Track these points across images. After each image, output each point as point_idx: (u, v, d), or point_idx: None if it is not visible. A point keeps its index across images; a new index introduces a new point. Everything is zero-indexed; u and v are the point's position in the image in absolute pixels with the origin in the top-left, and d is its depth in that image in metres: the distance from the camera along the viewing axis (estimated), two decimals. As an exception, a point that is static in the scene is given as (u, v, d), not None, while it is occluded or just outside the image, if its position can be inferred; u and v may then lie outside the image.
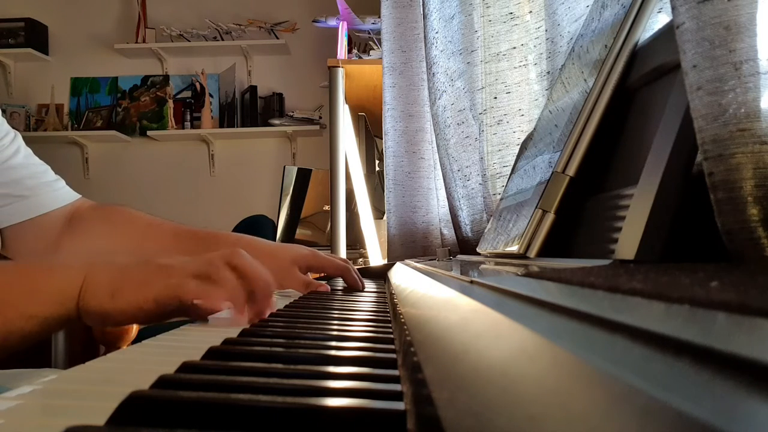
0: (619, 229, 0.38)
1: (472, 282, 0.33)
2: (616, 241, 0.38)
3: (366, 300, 0.75)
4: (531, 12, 0.99)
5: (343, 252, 2.03)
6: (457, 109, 1.21)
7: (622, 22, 0.53)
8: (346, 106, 2.11)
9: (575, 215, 0.53)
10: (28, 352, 0.53)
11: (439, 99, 1.26)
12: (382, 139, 1.67)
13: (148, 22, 3.59)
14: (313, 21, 2.68)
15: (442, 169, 1.30)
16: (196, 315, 0.59)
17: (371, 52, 2.36)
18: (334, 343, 0.39)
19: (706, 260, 0.32)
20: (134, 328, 1.32)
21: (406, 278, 0.64)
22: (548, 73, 0.90)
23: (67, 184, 0.96)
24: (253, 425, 0.22)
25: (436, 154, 1.39)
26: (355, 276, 0.89)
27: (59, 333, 2.05)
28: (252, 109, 3.54)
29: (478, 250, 0.79)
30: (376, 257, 2.03)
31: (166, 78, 3.66)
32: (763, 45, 0.30)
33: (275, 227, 2.74)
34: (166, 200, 3.52)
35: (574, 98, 0.58)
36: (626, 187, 0.44)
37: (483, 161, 1.04)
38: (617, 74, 0.52)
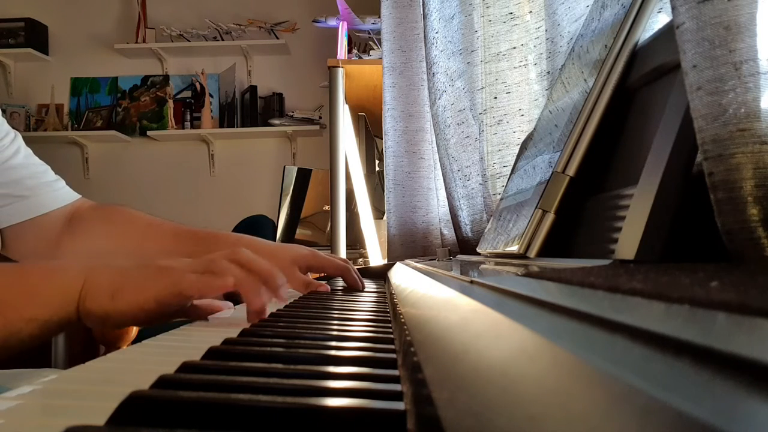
0: (619, 229, 0.38)
1: (472, 282, 0.33)
2: (616, 241, 0.38)
3: (366, 300, 0.75)
4: (531, 12, 0.99)
5: (343, 252, 2.03)
6: (457, 109, 1.21)
7: (622, 22, 0.53)
8: (346, 106, 2.11)
9: (575, 215, 0.53)
10: (29, 352, 0.52)
11: (439, 99, 1.26)
12: (382, 139, 1.68)
13: (148, 22, 3.59)
14: (313, 21, 2.68)
15: (442, 169, 1.30)
16: (196, 315, 0.59)
17: (371, 52, 2.36)
18: (334, 343, 0.39)
19: (706, 260, 0.32)
20: (134, 329, 1.32)
21: (406, 278, 0.64)
22: (548, 73, 0.90)
23: (67, 184, 0.96)
24: (253, 425, 0.22)
25: (436, 154, 1.39)
26: (355, 276, 0.89)
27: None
28: (252, 109, 3.54)
29: (478, 250, 0.79)
30: (376, 257, 2.03)
31: (166, 78, 3.66)
32: (763, 45, 0.30)
33: (275, 227, 2.74)
34: (166, 200, 3.52)
35: (574, 98, 0.58)
36: (626, 187, 0.44)
37: (483, 161, 1.04)
38: (617, 74, 0.52)
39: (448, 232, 1.42)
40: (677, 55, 0.34)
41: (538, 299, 0.20)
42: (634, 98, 0.51)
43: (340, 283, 0.96)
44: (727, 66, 0.30)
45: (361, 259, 2.16)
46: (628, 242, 0.36)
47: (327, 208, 2.43)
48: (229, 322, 0.58)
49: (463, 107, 1.18)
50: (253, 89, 3.56)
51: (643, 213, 0.36)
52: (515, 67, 1.01)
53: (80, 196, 0.97)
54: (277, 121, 3.48)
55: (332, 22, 2.52)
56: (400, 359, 0.32)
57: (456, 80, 1.19)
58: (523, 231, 0.55)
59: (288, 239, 2.71)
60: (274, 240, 2.61)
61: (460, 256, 1.03)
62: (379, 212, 2.17)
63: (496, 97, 1.02)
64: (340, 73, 2.06)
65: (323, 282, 0.85)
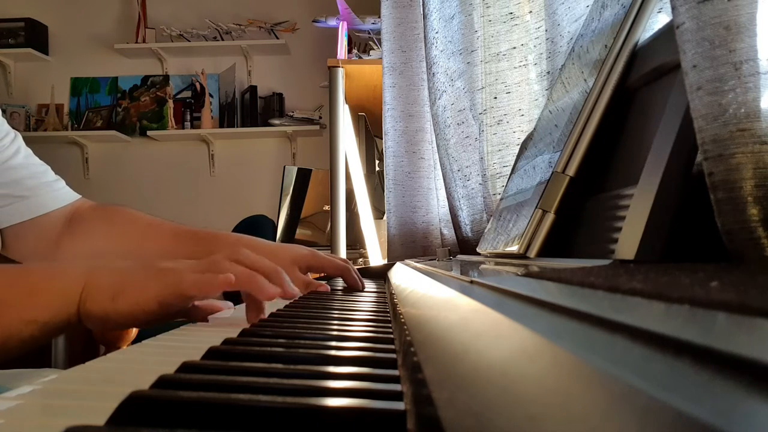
0: (619, 229, 0.38)
1: (472, 282, 0.33)
2: (616, 241, 0.38)
3: (366, 300, 0.75)
4: (531, 12, 0.99)
5: (343, 252, 2.03)
6: (457, 109, 1.21)
7: (622, 22, 0.53)
8: (346, 106, 2.11)
9: (575, 215, 0.53)
10: (29, 352, 0.52)
11: (439, 99, 1.26)
12: (382, 139, 1.68)
13: (148, 22, 3.59)
14: (313, 21, 2.68)
15: (442, 169, 1.30)
16: (197, 315, 0.59)
17: (371, 52, 2.36)
18: (334, 343, 0.39)
19: (706, 260, 0.32)
20: (134, 329, 1.32)
21: (406, 278, 0.64)
22: (548, 73, 0.90)
23: (67, 184, 0.96)
24: (253, 425, 0.22)
25: (436, 154, 1.39)
26: (355, 276, 0.89)
27: (59, 333, 2.05)
28: (252, 109, 3.54)
29: (478, 250, 0.79)
30: (376, 257, 2.03)
31: (166, 78, 3.66)
32: (763, 45, 0.30)
33: (275, 227, 2.74)
34: (166, 200, 3.52)
35: (574, 98, 0.58)
36: (626, 187, 0.44)
37: (483, 161, 1.04)
38: (617, 74, 0.52)
39: (448, 232, 1.42)
40: (677, 55, 0.34)
41: (538, 299, 0.20)
42: (634, 98, 0.51)
43: (340, 283, 0.96)
44: (727, 66, 0.30)
45: (361, 259, 2.16)
46: (628, 242, 0.36)
47: (327, 208, 2.43)
48: (229, 322, 0.58)
49: (463, 107, 1.18)
50: (253, 89, 3.56)
51: (643, 213, 0.36)
52: (515, 67, 1.01)
53: (80, 196, 0.97)
54: (277, 121, 3.48)
55: (332, 22, 2.52)
56: (400, 359, 0.32)
57: (456, 80, 1.19)
58: (523, 231, 0.55)
59: (288, 239, 2.71)
60: (274, 240, 2.61)
61: (460, 256, 1.03)
62: (379, 212, 2.17)
63: (496, 97, 1.02)
64: (340, 73, 2.06)
65: (323, 282, 0.85)
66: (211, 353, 0.34)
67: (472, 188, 1.16)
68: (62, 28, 3.66)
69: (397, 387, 0.26)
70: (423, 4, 1.38)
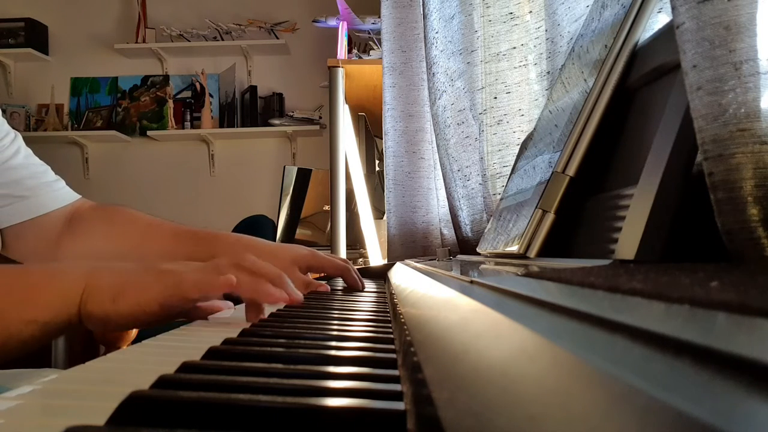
0: (619, 229, 0.38)
1: (472, 282, 0.33)
2: (616, 241, 0.38)
3: (366, 300, 0.75)
4: (531, 12, 0.99)
5: (343, 252, 2.03)
6: (457, 109, 1.21)
7: (622, 22, 0.53)
8: (346, 106, 2.11)
9: (575, 215, 0.53)
10: (29, 353, 0.52)
11: (439, 99, 1.26)
12: (382, 139, 1.67)
13: (148, 22, 3.59)
14: (313, 21, 2.68)
15: (442, 169, 1.30)
16: (197, 315, 0.59)
17: (371, 52, 2.36)
18: (334, 343, 0.39)
19: (706, 260, 0.32)
20: (134, 329, 1.32)
21: (406, 278, 0.64)
22: (548, 73, 0.90)
23: (67, 184, 0.96)
24: (253, 425, 0.22)
25: (436, 154, 1.39)
26: (355, 276, 0.89)
27: (59, 333, 2.05)
28: (252, 109, 3.54)
29: (478, 250, 0.79)
30: (376, 257, 2.03)
31: (166, 78, 3.66)
32: (763, 45, 0.30)
33: (275, 227, 2.74)
34: (166, 200, 3.52)
35: (574, 98, 0.58)
36: (626, 187, 0.44)
37: (483, 161, 1.04)
38: (617, 74, 0.52)
39: (448, 232, 1.42)
40: (677, 55, 0.34)
41: (538, 299, 0.20)
42: (634, 98, 0.51)
43: (340, 283, 0.96)
44: (727, 66, 0.30)
45: (361, 259, 2.16)
46: (628, 242, 0.36)
47: (327, 208, 2.43)
48: (229, 322, 0.58)
49: (463, 107, 1.18)
50: (253, 89, 3.56)
51: (643, 213, 0.36)
52: (515, 67, 1.01)
53: (80, 196, 0.97)
54: (277, 121, 3.48)
55: (332, 22, 2.52)
56: (400, 359, 0.32)
57: (456, 80, 1.19)
58: (523, 231, 0.55)
59: (288, 239, 2.71)
60: (274, 240, 2.61)
61: (460, 256, 1.03)
62: (379, 212, 2.17)
63: (496, 97, 1.02)
64: (340, 73, 2.06)
65: (323, 282, 0.85)
66: (211, 353, 0.34)
67: (472, 188, 1.16)
68: (62, 28, 3.66)
69: (397, 387, 0.26)
70: (423, 4, 1.38)
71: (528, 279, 0.30)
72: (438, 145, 1.31)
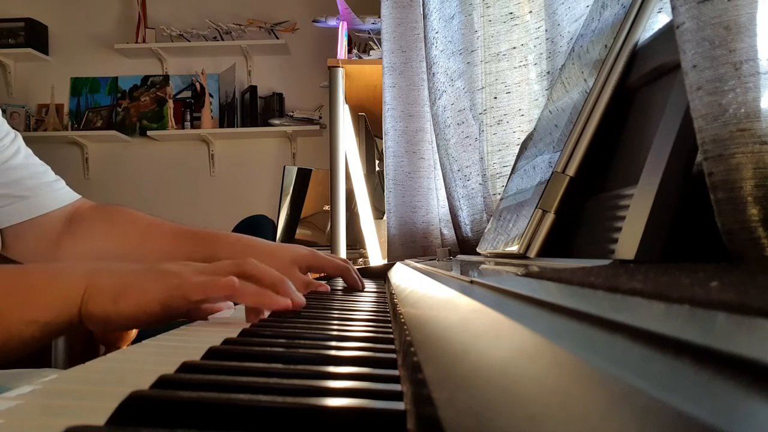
0: (619, 229, 0.38)
1: (472, 282, 0.33)
2: (616, 241, 0.38)
3: (366, 300, 0.75)
4: (531, 12, 0.99)
5: (343, 252, 2.03)
6: (457, 109, 1.21)
7: (622, 22, 0.53)
8: (346, 106, 2.11)
9: (575, 215, 0.53)
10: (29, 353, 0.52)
11: (439, 99, 1.26)
12: (382, 139, 1.67)
13: (148, 22, 3.59)
14: (313, 21, 2.68)
15: (442, 169, 1.30)
16: (197, 315, 0.59)
17: (371, 52, 2.36)
18: (334, 343, 0.39)
19: (706, 260, 0.32)
20: (134, 329, 1.32)
21: (406, 278, 0.64)
22: (548, 73, 0.90)
23: (67, 184, 0.96)
24: (253, 425, 0.22)
25: (436, 154, 1.39)
26: (355, 276, 0.89)
27: (59, 333, 2.05)
28: (252, 109, 3.54)
29: (478, 250, 0.79)
30: (376, 257, 2.03)
31: (166, 78, 3.66)
32: (763, 45, 0.30)
33: (275, 227, 2.74)
34: (166, 200, 3.52)
35: (574, 98, 0.58)
36: (626, 187, 0.44)
37: (483, 161, 1.04)
38: (617, 74, 0.52)
39: (448, 232, 1.42)
40: (677, 55, 0.34)
41: (538, 299, 0.20)
42: (634, 98, 0.51)
43: (340, 283, 0.96)
44: (727, 66, 0.30)
45: (361, 259, 2.16)
46: (628, 242, 0.36)
47: (327, 208, 2.43)
48: (229, 322, 0.58)
49: (463, 107, 1.18)
50: (253, 89, 3.56)
51: (643, 213, 0.36)
52: (515, 67, 1.01)
53: (80, 196, 0.97)
54: (277, 121, 3.48)
55: (332, 22, 2.52)
56: (400, 359, 0.32)
57: (456, 80, 1.19)
58: (523, 231, 0.55)
59: (288, 239, 2.71)
60: (274, 240, 2.61)
61: (460, 256, 1.03)
62: (379, 212, 2.17)
63: (496, 97, 1.02)
64: (340, 73, 2.06)
65: (323, 282, 0.85)
66: (211, 353, 0.34)
67: (472, 188, 1.16)
68: (62, 28, 3.66)
69: (397, 387, 0.26)
70: (423, 4, 1.38)
71: (528, 279, 0.30)
72: (438, 145, 1.31)
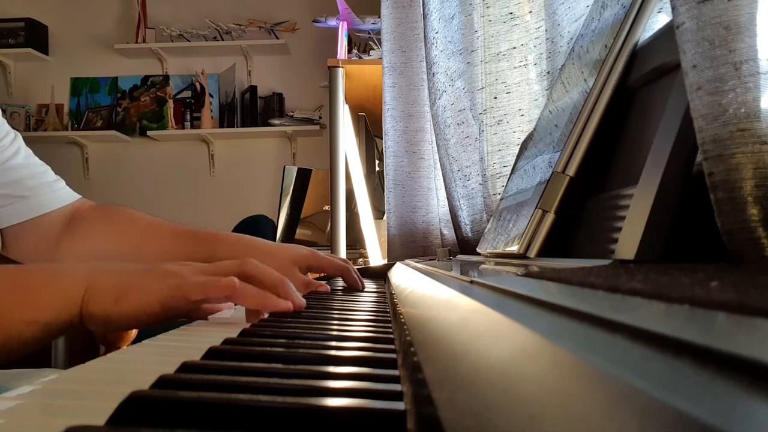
0: (619, 229, 0.38)
1: (472, 282, 0.33)
2: (616, 241, 0.38)
3: (366, 300, 0.75)
4: (531, 12, 0.99)
5: (343, 252, 2.03)
6: (457, 109, 1.21)
7: (622, 22, 0.53)
8: (346, 106, 2.11)
9: (575, 215, 0.53)
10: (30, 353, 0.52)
11: (439, 99, 1.26)
12: (382, 139, 1.67)
13: (148, 22, 3.59)
14: (313, 21, 2.68)
15: (442, 169, 1.30)
16: (197, 315, 0.59)
17: (371, 52, 2.36)
18: (334, 343, 0.39)
19: (706, 260, 0.32)
20: (134, 329, 1.32)
21: (406, 278, 0.64)
22: (548, 73, 0.90)
23: (67, 184, 0.96)
24: (253, 425, 0.22)
25: (436, 154, 1.39)
26: (355, 276, 0.89)
27: (59, 333, 2.05)
28: (252, 109, 3.54)
29: (478, 250, 0.79)
30: (376, 257, 2.03)
31: (166, 78, 3.66)
32: (763, 45, 0.30)
33: (275, 227, 2.74)
34: (166, 200, 3.52)
35: (574, 98, 0.58)
36: (626, 187, 0.44)
37: (483, 161, 1.04)
38: (617, 74, 0.52)
39: (448, 232, 1.42)
40: (677, 55, 0.34)
41: (538, 299, 0.20)
42: (634, 98, 0.51)
43: (340, 283, 0.96)
44: (727, 66, 0.30)
45: (361, 259, 2.16)
46: (628, 242, 0.36)
47: (327, 208, 2.43)
48: (229, 322, 0.58)
49: (463, 107, 1.18)
50: (253, 89, 3.56)
51: (643, 213, 0.36)
52: (515, 67, 1.01)
53: (80, 196, 0.97)
54: (277, 121, 3.48)
55: (332, 22, 2.52)
56: (400, 359, 0.32)
57: (456, 80, 1.19)
58: (523, 231, 0.55)
59: (288, 239, 2.71)
60: (274, 240, 2.61)
61: (460, 256, 1.03)
62: (379, 212, 2.17)
63: (496, 97, 1.02)
64: (340, 73, 2.06)
65: (323, 282, 0.85)
66: (211, 353, 0.34)
67: (472, 188, 1.16)
68: (62, 28, 3.66)
69: (397, 387, 0.26)
70: (423, 4, 1.38)
71: (528, 279, 0.30)
72: (438, 145, 1.31)
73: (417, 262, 0.93)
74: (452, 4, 1.20)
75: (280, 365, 0.30)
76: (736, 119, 0.30)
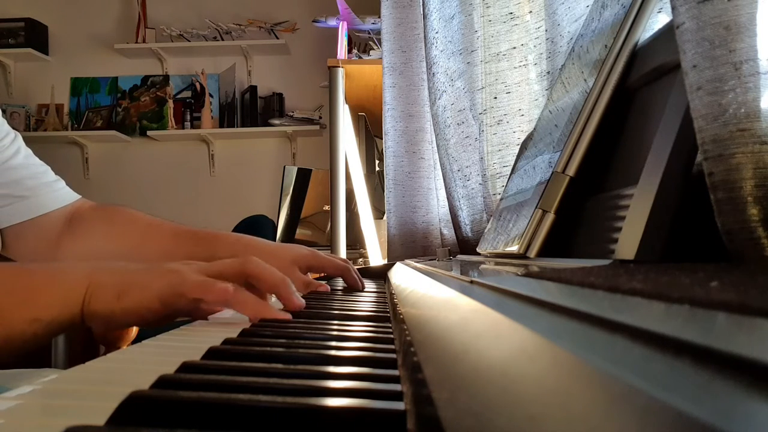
0: (619, 229, 0.38)
1: (472, 282, 0.33)
2: (616, 241, 0.38)
3: (366, 300, 0.75)
4: (531, 12, 0.99)
5: (343, 252, 2.03)
6: (457, 109, 1.21)
7: (622, 22, 0.53)
8: (346, 106, 2.11)
9: (575, 215, 0.53)
10: (29, 352, 0.53)
11: (439, 99, 1.26)
12: (382, 139, 1.68)
13: (148, 22, 3.59)
14: (313, 21, 2.68)
15: (442, 169, 1.30)
16: (197, 315, 0.59)
17: (371, 52, 2.36)
18: (334, 343, 0.39)
19: (706, 260, 0.32)
20: (134, 329, 1.32)
21: (406, 278, 0.64)
22: (548, 73, 0.90)
23: (67, 184, 0.96)
24: (253, 425, 0.22)
25: (436, 154, 1.39)
26: (355, 276, 0.89)
27: (59, 333, 2.05)
28: (252, 109, 3.54)
29: (478, 250, 0.79)
30: (376, 257, 2.03)
31: (166, 78, 3.66)
32: (763, 45, 0.30)
33: (275, 227, 2.74)
34: (166, 200, 3.52)
35: (574, 98, 0.58)
36: (626, 187, 0.44)
37: (483, 161, 1.04)
38: (617, 74, 0.52)
39: (448, 232, 1.42)
40: (677, 55, 0.34)
41: (538, 299, 0.20)
42: (634, 98, 0.51)
43: (340, 283, 0.96)
44: (727, 66, 0.30)
45: (361, 259, 2.16)
46: (628, 242, 0.36)
47: (327, 208, 2.43)
48: (229, 322, 0.58)
49: (463, 107, 1.18)
50: (253, 89, 3.56)
51: (643, 213, 0.36)
52: (515, 67, 1.01)
53: (80, 196, 0.97)
54: (277, 121, 3.48)
55: (332, 22, 2.52)
56: (400, 359, 0.32)
57: (456, 80, 1.19)
58: (523, 231, 0.55)
59: (288, 239, 2.71)
60: (274, 240, 2.61)
61: (460, 256, 1.03)
62: (379, 212, 2.17)
63: (496, 97, 1.02)
64: (340, 73, 2.06)
65: (323, 282, 0.85)
66: (211, 353, 0.34)
67: (472, 188, 1.16)
68: (62, 28, 3.66)
69: (397, 387, 0.26)
70: (423, 4, 1.38)
71: (528, 279, 0.30)
72: (438, 145, 1.31)
73: (417, 262, 0.93)
74: (452, 4, 1.20)
75: (280, 365, 0.30)
76: (736, 119, 0.30)
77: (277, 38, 3.51)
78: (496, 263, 0.59)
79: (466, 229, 1.18)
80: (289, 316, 0.52)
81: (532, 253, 0.54)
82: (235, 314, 0.63)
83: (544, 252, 0.53)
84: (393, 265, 1.09)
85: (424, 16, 1.37)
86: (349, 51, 2.42)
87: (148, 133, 3.57)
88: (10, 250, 0.91)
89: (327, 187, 2.21)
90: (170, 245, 0.89)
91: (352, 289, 0.89)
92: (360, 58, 2.36)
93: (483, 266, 0.58)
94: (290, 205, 2.81)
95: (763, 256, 0.28)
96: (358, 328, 0.47)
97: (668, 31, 0.44)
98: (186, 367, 0.29)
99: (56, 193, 0.93)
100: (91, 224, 0.92)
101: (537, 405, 0.12)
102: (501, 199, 0.81)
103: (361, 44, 2.60)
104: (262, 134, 3.56)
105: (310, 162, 3.19)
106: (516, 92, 1.01)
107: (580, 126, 0.54)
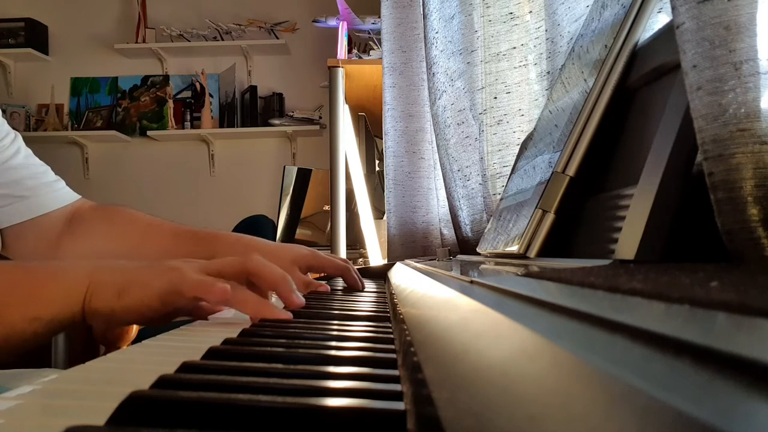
0: (619, 229, 0.38)
1: (472, 282, 0.33)
2: (616, 241, 0.38)
3: (366, 300, 0.75)
4: (531, 12, 0.99)
5: (343, 252, 2.03)
6: (457, 109, 1.21)
7: (622, 22, 0.53)
8: (346, 106, 2.11)
9: (575, 215, 0.53)
10: (29, 351, 0.53)
11: (439, 99, 1.26)
12: (382, 139, 1.68)
13: (148, 22, 3.59)
14: (313, 21, 2.68)
15: (442, 169, 1.30)
16: (197, 315, 0.59)
17: (371, 52, 2.36)
18: (334, 343, 0.39)
19: (706, 260, 0.32)
20: (134, 329, 1.32)
21: (406, 278, 0.64)
22: (548, 73, 0.90)
23: (67, 184, 0.96)
24: (253, 425, 0.22)
25: (436, 154, 1.39)
26: (355, 276, 0.89)
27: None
28: (252, 109, 3.54)
29: (478, 250, 0.79)
30: (376, 257, 2.03)
31: (166, 78, 3.66)
32: (763, 45, 0.30)
33: (275, 227, 2.74)
34: (166, 200, 3.52)
35: (574, 98, 0.58)
36: (626, 187, 0.44)
37: (483, 161, 1.04)
38: (617, 74, 0.52)
39: (448, 232, 1.42)
40: (677, 55, 0.34)
41: (538, 299, 0.20)
42: (634, 98, 0.51)
43: (340, 283, 0.96)
44: (727, 66, 0.30)
45: (361, 259, 2.16)
46: (628, 242, 0.36)
47: (327, 208, 2.43)
48: (229, 322, 0.58)
49: (463, 107, 1.18)
50: (253, 89, 3.56)
51: (643, 213, 0.36)
52: (515, 67, 1.01)
53: (80, 196, 0.97)
54: (277, 121, 3.48)
55: (332, 22, 2.52)
56: (400, 359, 0.32)
57: (456, 80, 1.19)
58: (523, 231, 0.55)
59: (288, 239, 2.71)
60: (274, 240, 2.61)
61: (460, 256, 1.03)
62: (379, 212, 2.17)
63: (496, 97, 1.02)
64: (340, 73, 2.06)
65: (323, 282, 0.85)
66: (211, 353, 0.34)
67: (472, 188, 1.16)
68: (62, 28, 3.66)
69: (397, 387, 0.26)
70: (423, 4, 1.38)
71: (528, 279, 0.30)
72: (438, 145, 1.31)
73: (417, 262, 0.93)
74: (452, 4, 1.20)
75: (280, 365, 0.30)
76: (736, 119, 0.30)
77: (277, 38, 3.51)
78: (496, 263, 0.59)
79: (466, 229, 1.18)
80: (290, 316, 0.52)
81: (532, 253, 0.54)
82: (237, 314, 0.63)
83: (544, 252, 0.53)
84: (393, 265, 1.09)
85: (424, 16, 1.37)
86: (349, 51, 2.42)
87: (148, 133, 3.57)
88: (10, 250, 0.91)
89: (327, 187, 2.21)
90: (170, 245, 0.89)
91: (352, 289, 0.89)
92: (360, 58, 2.36)
93: (483, 266, 0.58)
94: (290, 205, 2.81)
95: (763, 256, 0.28)
96: (358, 328, 0.47)
97: (668, 31, 0.44)
98: (186, 367, 0.29)
99: (56, 193, 0.93)
100: (91, 224, 0.92)
101: (537, 405, 0.12)
102: (501, 199, 0.81)
103: (361, 44, 2.60)
104: (262, 134, 3.56)
105: (310, 162, 3.19)
106: (516, 92, 1.01)
107: (580, 126, 0.54)
